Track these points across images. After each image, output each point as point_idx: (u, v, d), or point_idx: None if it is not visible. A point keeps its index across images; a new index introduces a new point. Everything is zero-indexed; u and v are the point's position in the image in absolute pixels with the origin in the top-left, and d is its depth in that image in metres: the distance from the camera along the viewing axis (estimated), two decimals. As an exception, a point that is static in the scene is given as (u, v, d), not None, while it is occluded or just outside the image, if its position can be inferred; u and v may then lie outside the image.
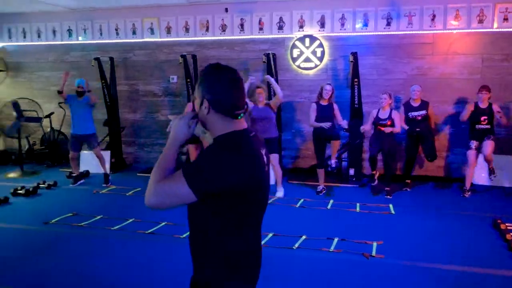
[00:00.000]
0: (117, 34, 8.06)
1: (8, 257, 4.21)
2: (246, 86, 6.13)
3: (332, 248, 4.31)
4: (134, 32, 8.01)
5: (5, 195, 6.03)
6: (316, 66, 7.33)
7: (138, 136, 8.35)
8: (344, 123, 6.28)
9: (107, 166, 7.23)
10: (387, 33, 6.96)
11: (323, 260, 4.07)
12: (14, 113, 7.45)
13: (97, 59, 7.69)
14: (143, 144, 8.36)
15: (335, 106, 6.24)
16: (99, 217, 5.23)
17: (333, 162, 6.34)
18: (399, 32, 6.91)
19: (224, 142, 1.50)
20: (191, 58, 7.60)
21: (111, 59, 7.89)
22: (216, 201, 1.45)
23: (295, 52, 7.38)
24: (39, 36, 8.38)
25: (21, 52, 8.57)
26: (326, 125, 6.02)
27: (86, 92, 6.67)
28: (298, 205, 5.84)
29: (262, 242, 4.37)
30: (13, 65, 8.61)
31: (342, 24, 7.14)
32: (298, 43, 7.34)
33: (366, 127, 6.33)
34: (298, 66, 7.40)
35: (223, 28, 7.63)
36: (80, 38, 8.18)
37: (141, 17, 7.92)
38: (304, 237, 4.63)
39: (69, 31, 8.24)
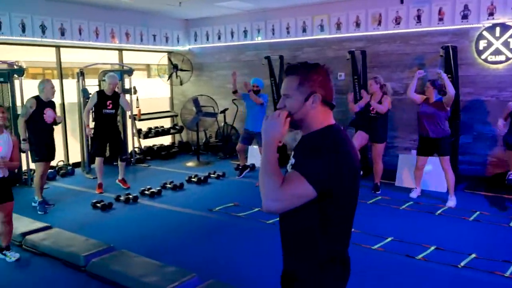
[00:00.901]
0: (288, 32, 8.21)
1: (174, 239, 4.61)
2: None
3: (508, 273, 3.57)
4: (304, 30, 8.03)
5: (182, 181, 6.67)
6: (508, 59, 6.21)
7: (303, 134, 8.36)
8: None
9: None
10: None
11: (495, 286, 3.40)
12: (194, 109, 8.22)
13: (267, 57, 7.96)
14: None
15: None
16: (257, 209, 5.35)
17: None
18: None
19: (330, 136, 1.56)
20: (359, 54, 7.25)
21: (281, 57, 8.07)
22: (327, 198, 1.47)
23: (482, 44, 6.39)
24: (219, 38, 9.10)
25: (204, 53, 9.45)
26: None
27: (260, 90, 6.89)
28: (471, 218, 5.04)
29: (421, 256, 3.95)
30: (197, 65, 9.53)
31: (547, 8, 5.88)
32: (486, 34, 6.34)
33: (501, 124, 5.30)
34: (485, 60, 6.39)
35: (397, 21, 7.07)
36: (259, 38, 8.56)
37: (311, 14, 7.90)
38: (473, 255, 3.97)
39: (245, 32, 8.73)
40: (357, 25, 7.46)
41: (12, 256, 4.08)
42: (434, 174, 6.05)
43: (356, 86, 7.15)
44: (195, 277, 3.42)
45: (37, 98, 5.43)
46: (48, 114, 5.38)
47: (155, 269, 3.57)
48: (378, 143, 6.08)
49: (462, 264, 3.80)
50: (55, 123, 5.59)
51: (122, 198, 5.86)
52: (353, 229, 4.41)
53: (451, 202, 5.49)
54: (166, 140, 9.77)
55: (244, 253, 4.17)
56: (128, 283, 3.43)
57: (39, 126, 5.41)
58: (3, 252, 4.09)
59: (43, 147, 5.44)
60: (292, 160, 1.62)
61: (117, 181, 6.55)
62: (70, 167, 7.67)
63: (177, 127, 9.68)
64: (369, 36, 7.37)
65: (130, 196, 5.89)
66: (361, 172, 6.41)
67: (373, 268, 3.81)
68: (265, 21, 8.44)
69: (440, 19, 6.70)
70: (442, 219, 5.05)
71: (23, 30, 6.72)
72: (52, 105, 5.52)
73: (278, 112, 1.56)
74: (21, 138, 5.40)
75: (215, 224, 5.02)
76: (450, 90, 5.33)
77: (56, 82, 7.77)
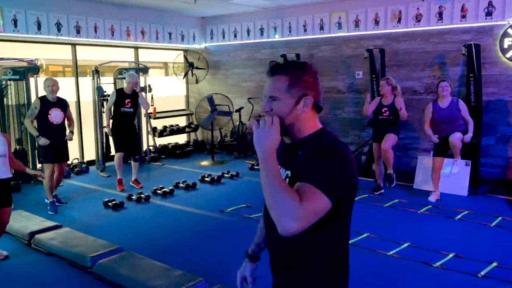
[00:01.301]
0: (305, 30, 8.05)
1: (184, 240, 4.53)
2: None
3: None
4: (321, 28, 7.86)
5: (195, 181, 6.60)
6: (535, 58, 5.95)
7: (319, 134, 8.21)
8: None
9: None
10: None
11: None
12: (209, 107, 8.14)
13: (283, 55, 7.82)
14: (323, 142, 8.18)
15: None
16: (269, 211, 5.23)
17: None
18: None
19: (329, 139, 1.46)
20: (378, 52, 7.05)
21: (297, 55, 7.92)
22: (338, 205, 1.37)
23: (506, 42, 6.12)
24: (235, 36, 8.99)
25: (220, 51, 9.36)
26: None
27: None
28: (493, 224, 4.81)
29: (439, 263, 3.77)
30: (213, 63, 9.45)
31: None
32: (511, 31, 6.07)
33: None
34: (509, 59, 6.11)
35: (418, 18, 6.85)
36: (276, 36, 8.42)
37: (329, 11, 7.73)
38: (494, 264, 3.77)
39: (261, 30, 8.60)
40: (376, 22, 7.26)
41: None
42: (454, 177, 5.83)
43: (374, 85, 6.96)
44: (202, 281, 3.33)
45: (41, 98, 5.41)
46: (53, 115, 5.34)
47: (162, 273, 3.48)
48: (390, 133, 5.86)
49: (482, 273, 3.61)
50: (67, 125, 5.55)
51: (134, 197, 5.82)
52: (367, 234, 4.23)
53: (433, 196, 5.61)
54: (181, 138, 9.72)
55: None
56: (133, 287, 3.35)
57: (44, 127, 5.36)
58: None
59: (48, 148, 5.35)
60: (287, 172, 1.48)
61: (130, 182, 6.50)
62: (85, 165, 7.68)
63: (192, 125, 9.62)
64: (388, 34, 7.16)
65: (142, 196, 5.84)
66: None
67: (387, 275, 3.66)
68: (282, 18, 8.29)
69: (463, 16, 6.46)
70: (462, 225, 4.84)
71: (39, 28, 6.73)
72: (61, 105, 5.43)
73: (270, 118, 1.39)
74: (34, 136, 5.41)
75: (226, 225, 4.93)
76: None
77: (72, 80, 7.82)
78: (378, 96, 6.34)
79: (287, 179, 1.45)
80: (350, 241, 4.30)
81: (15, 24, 6.47)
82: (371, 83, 7.07)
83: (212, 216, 5.23)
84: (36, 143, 5.42)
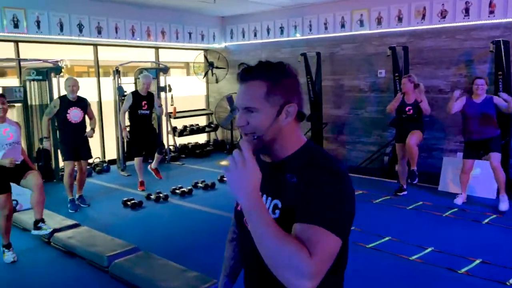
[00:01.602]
0: (326, 28, 7.92)
1: (202, 240, 4.48)
2: None
3: None
4: (342, 26, 7.72)
5: (213, 181, 6.56)
6: None
7: (340, 133, 8.07)
8: None
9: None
10: None
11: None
12: (228, 107, 8.10)
13: (303, 54, 7.71)
14: (344, 141, 8.04)
15: None
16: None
17: None
18: None
19: (322, 156, 1.20)
20: (401, 50, 6.87)
21: (318, 54, 7.79)
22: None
23: (538, 38, 5.87)
24: (255, 35, 8.93)
25: (240, 50, 9.31)
26: None
27: None
28: (527, 230, 4.59)
29: (465, 269, 3.61)
30: (233, 62, 9.40)
31: None
32: (542, 26, 5.82)
33: None
34: (541, 55, 5.87)
35: (443, 15, 6.63)
36: (297, 35, 8.32)
37: (350, 9, 7.58)
38: (529, 273, 3.55)
39: (281, 29, 8.51)
40: (399, 19, 7.07)
41: (47, 227, 4.16)
42: (482, 179, 5.62)
43: (397, 83, 6.78)
44: (217, 284, 3.26)
45: (61, 97, 5.46)
46: (72, 114, 5.38)
47: (177, 274, 3.44)
48: (415, 130, 5.67)
49: (511, 281, 3.43)
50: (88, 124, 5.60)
51: (152, 196, 5.82)
52: (389, 238, 4.06)
53: (504, 204, 5.08)
54: (201, 138, 9.72)
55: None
56: (148, 287, 3.32)
57: (63, 126, 5.42)
58: (38, 225, 4.13)
59: (68, 146, 5.41)
60: (275, 202, 1.19)
61: (149, 167, 6.37)
62: (106, 164, 7.74)
63: (212, 125, 9.61)
64: (412, 31, 6.96)
65: (161, 195, 5.83)
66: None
67: (409, 281, 3.52)
68: (302, 17, 8.18)
69: (491, 12, 6.22)
70: (490, 229, 4.64)
71: (61, 28, 6.82)
72: (81, 104, 5.47)
73: (238, 153, 1.09)
74: (43, 136, 5.51)
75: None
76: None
77: (94, 80, 7.91)
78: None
79: (277, 211, 1.18)
80: (371, 245, 4.20)
81: (38, 26, 6.56)
82: (394, 81, 6.89)
83: (230, 217, 5.15)
84: (46, 142, 5.48)
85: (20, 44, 6.75)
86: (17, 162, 3.97)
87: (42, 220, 4.16)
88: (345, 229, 1.11)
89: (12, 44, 6.68)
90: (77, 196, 5.65)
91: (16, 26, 6.34)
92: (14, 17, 6.32)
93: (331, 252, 1.06)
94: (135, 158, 6.27)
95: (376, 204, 5.50)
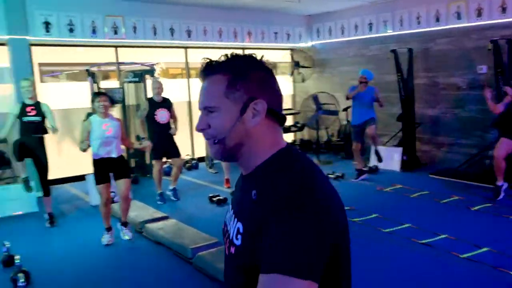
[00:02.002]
0: (418, 23, 7.49)
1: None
2: None
3: None
4: (437, 19, 7.24)
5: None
6: None
7: (435, 134, 7.57)
8: None
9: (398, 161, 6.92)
10: None
11: None
12: (314, 106, 8.00)
13: (393, 51, 7.36)
14: (440, 142, 7.52)
15: None
16: (374, 215, 4.93)
17: None
18: None
19: (296, 169, 0.97)
20: (505, 43, 6.25)
21: (410, 50, 7.39)
22: (329, 269, 0.93)
23: None
24: (342, 33, 8.73)
25: (326, 49, 9.17)
26: None
27: (368, 82, 6.45)
28: None
29: None
30: (320, 61, 9.29)
31: None
32: None
33: None
34: None
35: (556, 2, 5.93)
36: (389, 31, 7.99)
37: (446, 1, 7.08)
38: None
39: (370, 25, 8.22)
40: (503, 10, 6.46)
41: (127, 234, 4.52)
42: None
43: (500, 80, 6.18)
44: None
45: (149, 99, 5.80)
46: (159, 115, 5.66)
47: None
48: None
49: None
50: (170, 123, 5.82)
51: (214, 199, 5.89)
52: (488, 248, 3.67)
53: None
54: (287, 138, 9.73)
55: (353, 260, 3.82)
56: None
57: (151, 126, 5.74)
58: (122, 227, 4.55)
59: (156, 146, 5.54)
60: (238, 226, 1.00)
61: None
62: (195, 161, 8.07)
63: (298, 124, 9.56)
64: (518, 21, 6.32)
65: (221, 198, 5.87)
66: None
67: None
68: (392, 12, 7.82)
69: None
70: None
71: (155, 33, 7.25)
72: (166, 104, 5.73)
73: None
74: (140, 136, 5.90)
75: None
76: None
77: (184, 82, 8.30)
78: (504, 94, 5.58)
79: (239, 236, 0.98)
80: (466, 255, 3.85)
81: (134, 31, 7.06)
82: (495, 78, 6.30)
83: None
84: (144, 142, 5.75)
85: (118, 49, 7.30)
86: (113, 156, 4.31)
87: (125, 224, 4.55)
88: (317, 266, 0.87)
89: (112, 49, 7.25)
90: (171, 187, 5.98)
91: (115, 32, 6.88)
92: (114, 24, 6.87)
93: None
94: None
95: (474, 211, 5.05)
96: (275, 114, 1.02)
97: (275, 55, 9.82)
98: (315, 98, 8.00)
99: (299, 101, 9.74)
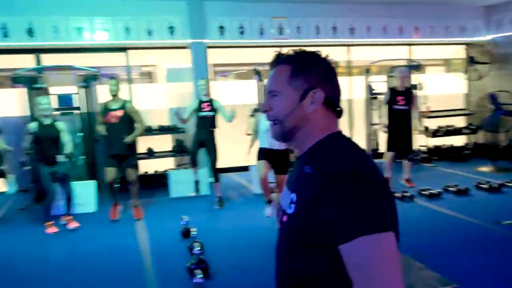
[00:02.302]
0: None
1: (444, 244, 4.11)
2: None
3: None
4: None
5: (467, 186, 5.88)
6: None
7: None
8: None
9: None
10: None
11: None
12: (492, 106, 7.14)
13: None
14: None
15: None
16: None
17: None
18: None
19: (349, 147, 1.09)
20: None
21: None
22: None
23: None
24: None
25: (509, 42, 8.07)
26: None
27: None
28: None
29: None
30: (499, 57, 8.23)
31: None
32: None
33: None
34: None
35: None
36: None
37: None
38: None
39: None
40: None
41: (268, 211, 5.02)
42: None
43: None
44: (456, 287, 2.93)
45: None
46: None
47: (414, 270, 3.24)
48: None
49: None
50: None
51: (397, 195, 5.63)
52: None
53: None
54: (457, 140, 8.85)
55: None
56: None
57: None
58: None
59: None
60: (292, 196, 1.09)
61: (401, 180, 6.36)
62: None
63: (471, 126, 8.64)
64: None
65: (406, 194, 5.59)
66: None
67: None
68: None
69: None
70: None
71: (317, 31, 7.42)
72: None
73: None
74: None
75: (499, 238, 4.18)
76: None
77: (344, 79, 8.30)
78: None
79: (292, 205, 1.07)
80: None
81: (298, 31, 7.35)
82: None
83: (482, 225, 4.54)
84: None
85: (282, 49, 7.65)
86: (275, 148, 4.67)
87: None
88: (389, 219, 0.97)
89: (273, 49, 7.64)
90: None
91: (280, 33, 7.29)
92: (279, 25, 7.28)
93: (390, 254, 0.94)
94: (386, 153, 6.23)
95: None
96: (332, 105, 1.12)
97: (447, 51, 9.10)
98: (493, 97, 7.14)
99: (473, 101, 8.79)
